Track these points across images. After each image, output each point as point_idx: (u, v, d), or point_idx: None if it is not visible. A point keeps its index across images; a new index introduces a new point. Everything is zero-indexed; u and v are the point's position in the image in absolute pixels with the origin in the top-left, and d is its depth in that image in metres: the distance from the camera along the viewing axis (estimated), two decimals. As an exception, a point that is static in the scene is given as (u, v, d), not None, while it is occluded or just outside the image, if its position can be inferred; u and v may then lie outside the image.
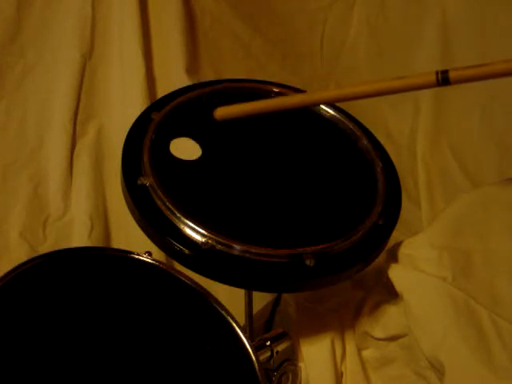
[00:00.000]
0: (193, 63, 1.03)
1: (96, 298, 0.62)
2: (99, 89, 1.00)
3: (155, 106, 0.76)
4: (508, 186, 0.73)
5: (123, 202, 0.68)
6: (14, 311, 0.58)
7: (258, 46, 1.13)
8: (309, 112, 0.80)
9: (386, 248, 0.71)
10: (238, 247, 0.62)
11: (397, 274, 0.71)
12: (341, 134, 0.78)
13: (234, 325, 0.62)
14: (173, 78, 1.01)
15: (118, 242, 0.98)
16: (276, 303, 0.81)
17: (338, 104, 0.82)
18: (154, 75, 1.01)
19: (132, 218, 0.66)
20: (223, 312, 0.63)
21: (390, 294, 0.74)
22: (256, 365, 0.60)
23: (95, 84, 0.99)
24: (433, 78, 0.58)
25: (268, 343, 0.71)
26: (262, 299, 0.83)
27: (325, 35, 1.19)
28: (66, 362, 0.56)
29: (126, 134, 0.72)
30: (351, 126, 0.78)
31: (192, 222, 0.62)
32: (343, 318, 0.78)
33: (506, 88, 1.02)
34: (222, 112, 0.68)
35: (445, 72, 0.58)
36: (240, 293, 0.71)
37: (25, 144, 0.97)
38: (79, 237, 0.95)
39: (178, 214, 0.63)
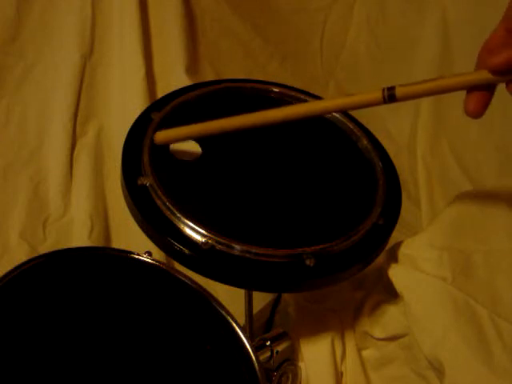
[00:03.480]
0: (193, 63, 1.03)
1: (96, 298, 0.62)
2: (99, 89, 1.00)
3: (155, 105, 0.76)
4: (508, 186, 0.74)
5: (123, 202, 0.67)
6: (14, 311, 0.58)
7: (257, 46, 1.13)
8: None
9: (386, 248, 0.71)
10: (238, 247, 0.62)
11: (397, 274, 0.71)
12: (341, 134, 0.78)
13: (234, 325, 0.62)
14: (173, 77, 1.01)
15: (118, 242, 0.98)
16: (276, 303, 0.81)
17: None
18: (153, 75, 1.01)
19: (132, 218, 0.66)
20: (223, 312, 0.63)
21: (390, 294, 0.74)
22: (256, 365, 0.60)
23: (95, 84, 0.99)
24: (379, 95, 0.58)
25: (268, 343, 0.71)
26: (262, 299, 0.83)
27: (325, 35, 1.19)
28: (66, 362, 0.56)
29: (126, 134, 0.71)
30: (351, 126, 0.78)
31: (192, 222, 0.62)
32: (343, 318, 0.78)
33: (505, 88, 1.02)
34: (161, 136, 0.68)
35: (391, 89, 0.57)
36: (240, 293, 0.71)
37: (25, 144, 0.97)
38: (79, 237, 0.95)
39: (178, 214, 0.63)
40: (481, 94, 0.55)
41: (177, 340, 0.61)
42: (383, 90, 0.57)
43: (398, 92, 0.57)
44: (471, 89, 0.56)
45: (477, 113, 0.55)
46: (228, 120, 0.65)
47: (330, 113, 0.64)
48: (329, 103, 0.63)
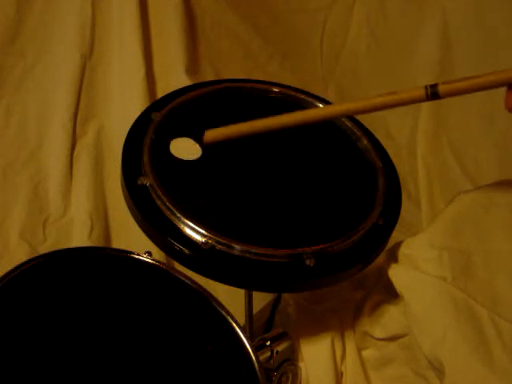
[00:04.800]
0: (193, 63, 1.03)
1: (96, 298, 0.62)
2: (99, 89, 1.00)
3: (155, 105, 0.76)
4: (508, 186, 0.74)
5: (123, 202, 0.68)
6: (14, 311, 0.58)
7: (257, 46, 1.13)
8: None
9: (386, 248, 0.71)
10: (238, 247, 0.62)
11: (397, 274, 0.71)
12: (341, 134, 0.78)
13: (234, 325, 0.62)
14: (173, 77, 1.01)
15: (118, 242, 0.98)
16: (276, 303, 0.81)
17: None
18: (153, 75, 1.01)
19: (132, 218, 0.66)
20: (223, 312, 0.63)
21: (390, 294, 0.74)
22: (256, 365, 0.60)
23: (95, 84, 0.99)
24: (422, 92, 0.59)
25: (268, 343, 0.71)
26: (262, 299, 0.83)
27: (325, 35, 1.19)
28: (66, 362, 0.56)
29: (126, 134, 0.72)
30: (351, 126, 0.78)
31: (192, 222, 0.62)
32: (343, 318, 0.78)
33: (505, 88, 1.02)
34: (210, 135, 0.69)
35: (434, 86, 0.58)
36: (240, 293, 0.71)
37: (25, 144, 0.97)
38: (79, 237, 0.95)
39: (178, 214, 0.63)
40: None
41: (177, 340, 0.61)
42: (426, 87, 0.58)
43: (441, 89, 0.58)
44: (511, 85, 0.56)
45: None
46: (274, 119, 0.66)
47: (372, 111, 0.66)
48: (372, 101, 0.63)
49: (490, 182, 0.75)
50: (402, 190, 0.74)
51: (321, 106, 0.80)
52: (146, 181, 0.66)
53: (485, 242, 0.70)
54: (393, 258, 0.73)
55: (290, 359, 0.73)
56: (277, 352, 0.71)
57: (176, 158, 0.70)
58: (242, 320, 0.70)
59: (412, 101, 0.61)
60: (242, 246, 0.62)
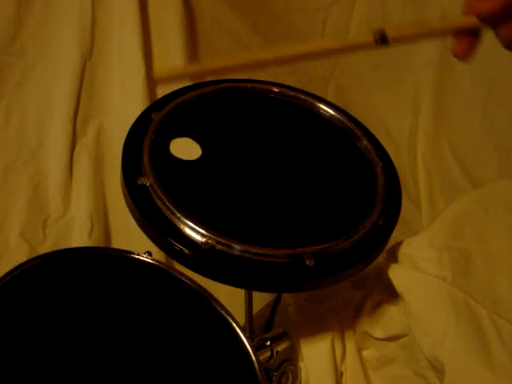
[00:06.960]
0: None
1: (96, 298, 0.62)
2: (99, 89, 1.00)
3: (155, 105, 0.76)
4: (508, 186, 0.74)
5: (123, 202, 0.68)
6: (14, 311, 0.58)
7: (257, 46, 1.13)
8: (309, 112, 0.80)
9: (386, 248, 0.71)
10: (238, 247, 0.62)
11: (397, 274, 0.71)
12: (341, 134, 0.78)
13: (234, 325, 0.62)
14: (173, 78, 1.01)
15: (118, 242, 0.98)
16: (276, 303, 0.81)
17: (337, 104, 0.82)
18: (154, 75, 1.01)
19: (132, 218, 0.66)
20: (223, 312, 0.63)
21: (390, 294, 0.74)
22: (256, 365, 0.60)
23: (95, 84, 0.99)
24: (370, 38, 0.58)
25: (268, 343, 0.71)
26: (262, 299, 0.83)
27: (325, 35, 1.19)
28: (66, 362, 0.56)
29: (126, 134, 0.71)
30: (351, 126, 0.78)
31: (192, 222, 0.62)
32: (343, 318, 0.78)
33: (505, 88, 1.02)
34: (162, 71, 0.66)
35: (382, 31, 0.58)
36: (240, 293, 0.71)
37: (25, 144, 0.97)
38: (79, 237, 0.95)
39: (178, 214, 0.63)
40: (468, 38, 0.56)
41: (177, 340, 0.61)
42: (374, 33, 0.58)
43: (389, 34, 0.57)
44: (458, 33, 0.56)
45: (463, 54, 0.56)
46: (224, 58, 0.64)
47: (320, 56, 0.63)
48: (318, 45, 0.62)
49: (489, 182, 0.75)
50: (402, 190, 0.74)
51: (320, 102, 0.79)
52: (146, 181, 0.66)
53: (485, 241, 0.70)
54: (393, 257, 0.73)
55: (290, 359, 0.73)
56: (277, 352, 0.71)
57: (176, 157, 0.70)
58: (241, 320, 0.70)
59: (361, 45, 0.60)
60: (242, 246, 0.62)
